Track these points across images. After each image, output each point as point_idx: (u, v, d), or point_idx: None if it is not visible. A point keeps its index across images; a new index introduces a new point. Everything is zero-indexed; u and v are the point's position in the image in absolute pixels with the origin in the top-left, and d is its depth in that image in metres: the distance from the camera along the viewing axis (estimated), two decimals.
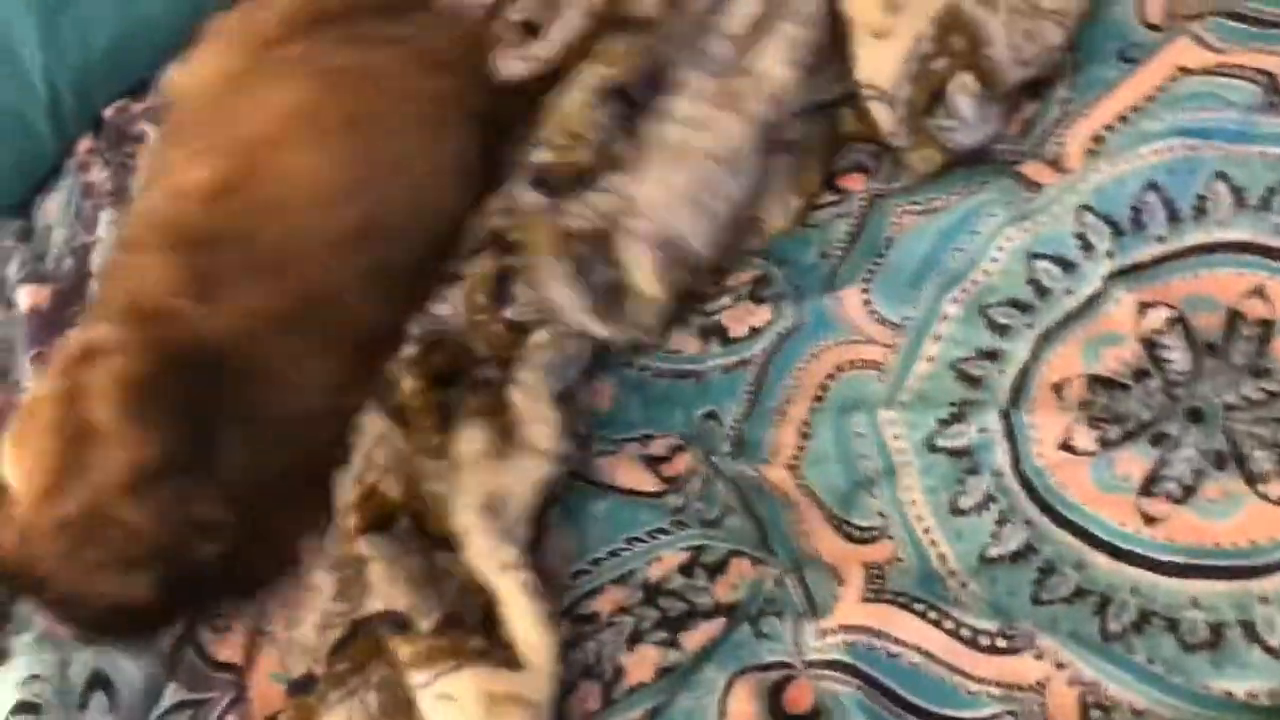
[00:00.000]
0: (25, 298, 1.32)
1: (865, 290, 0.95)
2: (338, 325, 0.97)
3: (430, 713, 0.82)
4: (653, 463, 0.96)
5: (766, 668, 0.81)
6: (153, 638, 0.96)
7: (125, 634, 0.94)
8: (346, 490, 0.96)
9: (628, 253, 0.99)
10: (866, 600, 0.80)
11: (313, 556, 1.00)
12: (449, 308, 1.02)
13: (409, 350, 1.01)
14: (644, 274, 0.99)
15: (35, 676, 0.90)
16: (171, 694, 0.92)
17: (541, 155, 1.05)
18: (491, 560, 0.85)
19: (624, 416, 1.01)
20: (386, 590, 0.87)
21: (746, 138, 1.03)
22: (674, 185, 1.01)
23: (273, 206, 0.98)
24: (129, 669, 0.93)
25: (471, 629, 0.85)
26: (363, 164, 1.00)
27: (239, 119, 1.01)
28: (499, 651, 0.83)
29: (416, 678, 0.83)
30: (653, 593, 0.87)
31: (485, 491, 0.88)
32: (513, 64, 1.12)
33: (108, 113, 1.51)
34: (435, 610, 0.85)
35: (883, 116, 1.01)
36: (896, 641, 0.78)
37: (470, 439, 0.92)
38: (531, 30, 1.11)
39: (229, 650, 0.95)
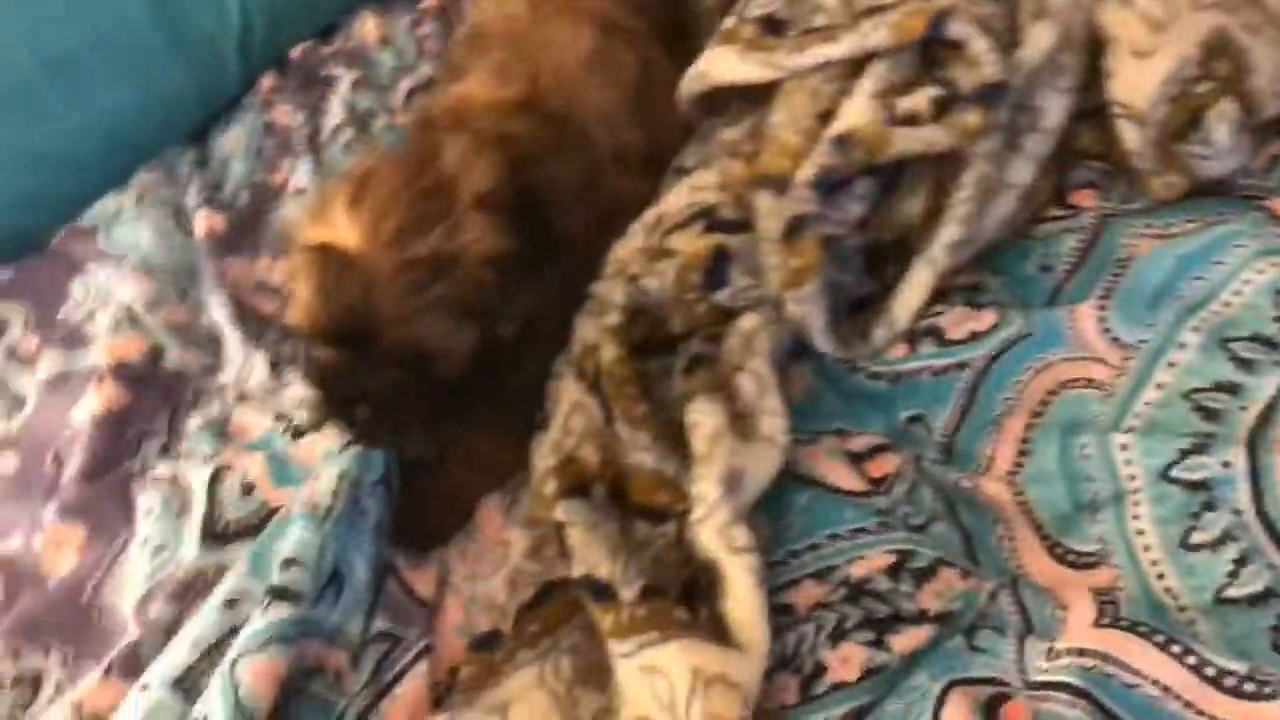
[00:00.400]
0: (202, 221, 1.32)
1: (1102, 308, 0.92)
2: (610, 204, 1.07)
3: (632, 684, 0.80)
4: (855, 460, 0.94)
5: (979, 682, 0.78)
6: (428, 441, 0.97)
7: (411, 425, 0.94)
8: (545, 455, 0.94)
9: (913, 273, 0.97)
10: (1101, 625, 0.77)
11: (490, 516, 0.99)
12: (657, 281, 0.99)
13: (611, 319, 0.99)
14: (914, 291, 0.96)
15: (293, 561, 0.89)
16: (378, 621, 0.91)
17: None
18: (723, 538, 0.82)
19: (818, 408, 0.98)
20: (588, 556, 0.85)
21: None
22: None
23: (572, 125, 1.08)
24: (359, 571, 0.92)
25: (675, 601, 0.82)
26: (644, 98, 1.14)
27: (538, 52, 1.12)
28: (705, 627, 0.81)
29: (618, 647, 0.81)
30: (855, 592, 0.85)
31: (728, 465, 0.86)
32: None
33: (294, 53, 1.51)
34: (637, 579, 0.83)
35: (1131, 136, 0.97)
36: (1134, 672, 0.74)
37: (706, 412, 0.89)
38: (774, 27, 1.08)
39: (425, 585, 0.93)
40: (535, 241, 0.94)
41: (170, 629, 0.92)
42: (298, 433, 1.04)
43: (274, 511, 0.97)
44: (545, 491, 0.91)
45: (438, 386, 0.92)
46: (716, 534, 0.83)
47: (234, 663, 0.83)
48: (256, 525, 0.97)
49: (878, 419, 0.97)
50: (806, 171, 0.95)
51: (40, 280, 1.31)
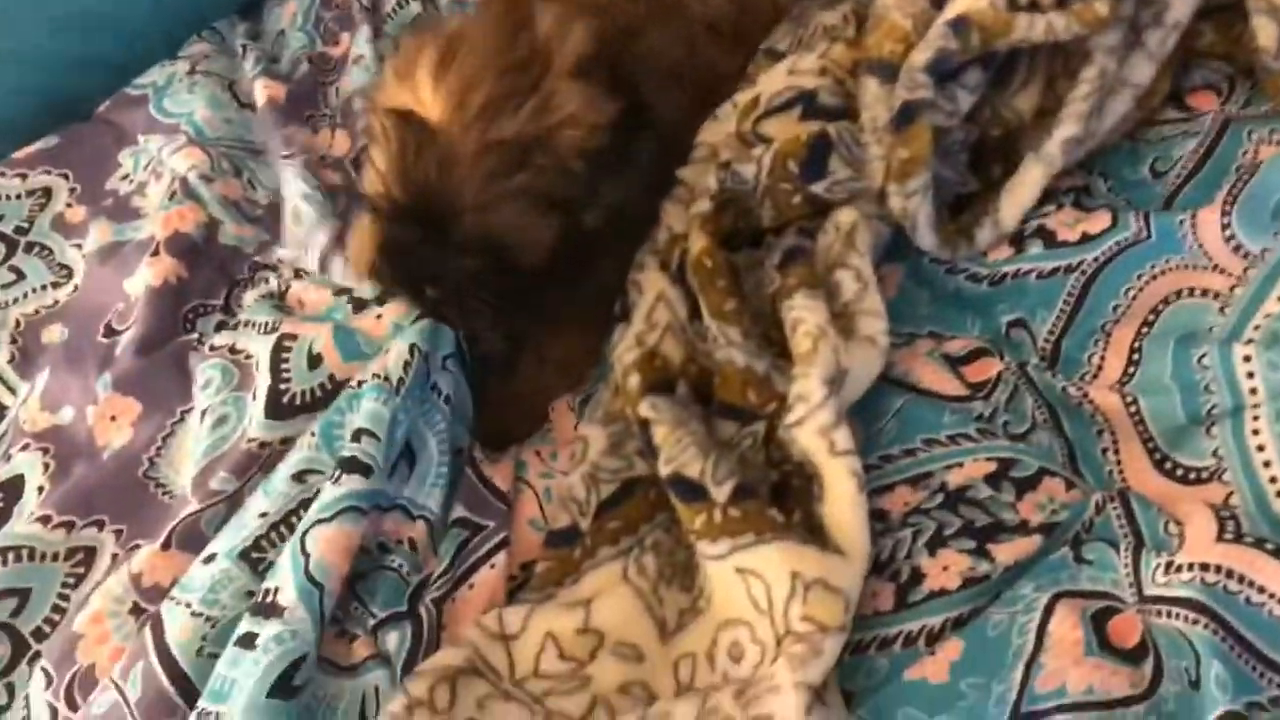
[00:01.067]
0: (263, 91, 1.26)
1: (1226, 214, 0.87)
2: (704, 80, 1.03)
3: (725, 586, 0.76)
4: (953, 363, 0.89)
5: (1087, 595, 0.74)
6: (498, 332, 0.93)
7: (482, 313, 0.90)
8: (627, 348, 0.90)
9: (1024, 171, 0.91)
10: (1224, 540, 0.73)
11: (564, 411, 0.95)
12: (752, 168, 0.94)
13: (701, 206, 0.94)
14: (1025, 189, 0.90)
15: (365, 432, 0.85)
16: (457, 508, 0.88)
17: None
18: (824, 439, 0.78)
19: (912, 309, 0.94)
20: (676, 454, 0.81)
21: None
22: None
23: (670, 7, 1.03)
24: (431, 446, 0.90)
25: (766, 502, 0.79)
26: None
27: None
28: (799, 530, 0.77)
29: (709, 548, 0.77)
30: (953, 499, 0.81)
31: (833, 363, 0.81)
32: None
33: None
34: (728, 479, 0.79)
35: (1268, 34, 0.91)
36: (1260, 589, 0.70)
37: (809, 308, 0.84)
38: None
39: (502, 478, 0.90)
40: (629, 121, 0.88)
41: (234, 501, 0.89)
42: (360, 305, 1.00)
43: (342, 384, 0.93)
44: (629, 386, 0.87)
45: (514, 277, 0.88)
46: (818, 435, 0.79)
47: (304, 534, 0.81)
48: (324, 398, 0.93)
49: (975, 323, 0.92)
50: (922, 55, 0.89)
51: (87, 149, 1.25)
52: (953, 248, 0.92)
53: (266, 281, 1.08)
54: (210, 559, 0.84)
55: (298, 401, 0.94)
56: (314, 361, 0.96)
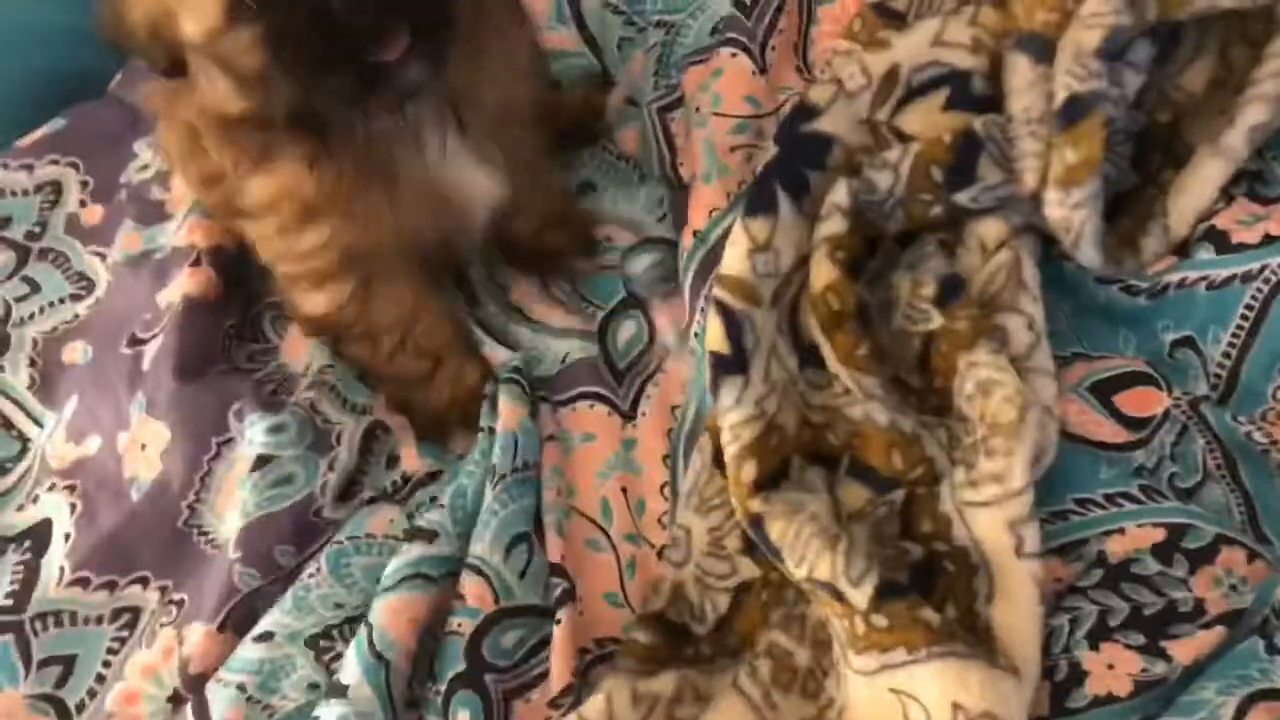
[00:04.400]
0: None
1: None
2: None
3: (876, 704, 0.66)
4: (1105, 393, 0.76)
5: None
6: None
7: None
8: (744, 420, 0.75)
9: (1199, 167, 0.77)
10: None
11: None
12: (888, 177, 0.79)
13: (833, 225, 0.79)
14: (1200, 190, 0.75)
15: (433, 500, 0.81)
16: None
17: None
18: (1011, 536, 0.67)
19: (1053, 325, 0.80)
20: (799, 552, 0.70)
21: None
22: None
23: None
24: (499, 515, 0.81)
25: (915, 599, 0.67)
26: None
27: None
28: (958, 632, 0.66)
29: (856, 660, 0.67)
30: (1115, 576, 0.70)
31: (1038, 442, 0.69)
32: None
33: None
34: (865, 577, 0.67)
35: None
36: None
37: (1002, 368, 0.71)
38: None
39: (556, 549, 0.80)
40: None
41: (292, 575, 0.82)
42: None
43: (410, 478, 0.88)
44: (742, 478, 0.74)
45: None
46: (1006, 529, 0.68)
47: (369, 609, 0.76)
48: (394, 492, 0.88)
49: (1130, 340, 0.80)
50: (1092, 35, 0.73)
51: (98, 134, 1.10)
52: (1117, 261, 0.77)
53: None
54: (265, 637, 0.77)
55: (368, 492, 0.87)
56: (392, 460, 0.89)
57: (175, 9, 0.71)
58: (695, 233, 0.88)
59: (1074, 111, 0.74)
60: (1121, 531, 0.71)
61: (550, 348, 0.92)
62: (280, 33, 0.67)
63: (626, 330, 0.92)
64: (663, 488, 0.83)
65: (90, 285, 1.02)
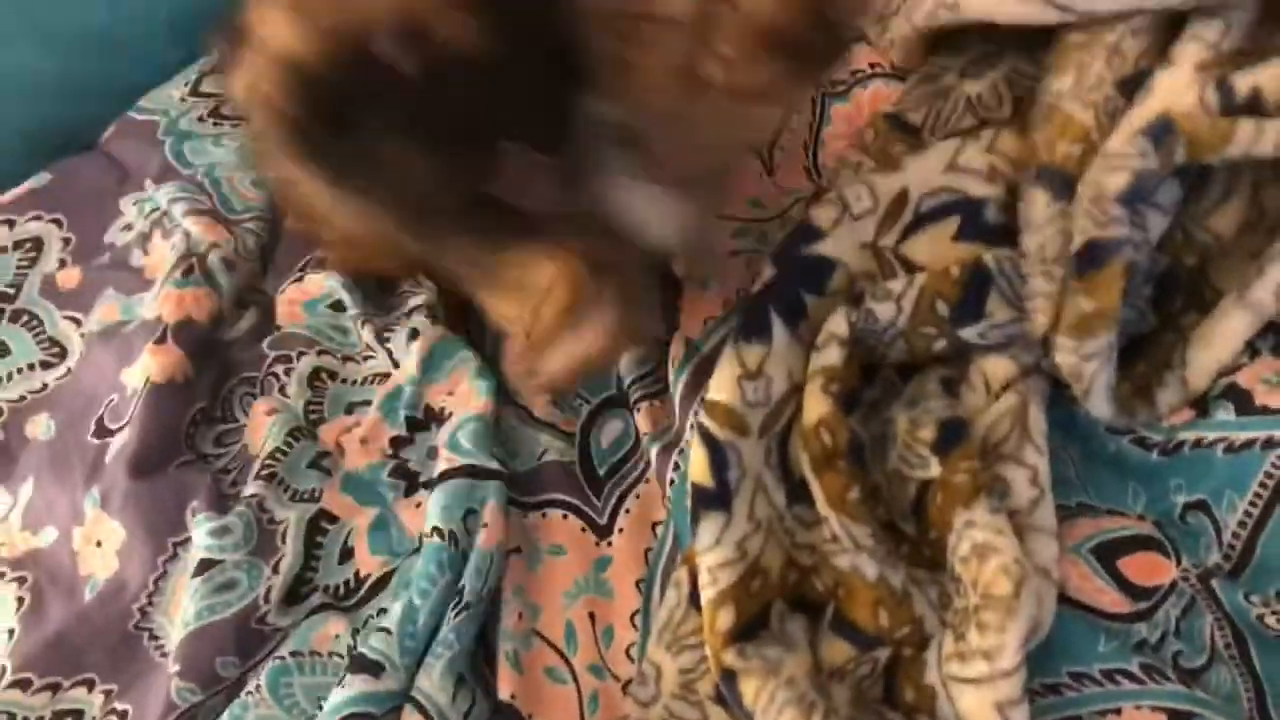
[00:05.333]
0: None
1: None
2: None
3: None
4: (1107, 555, 0.71)
5: None
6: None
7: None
8: (723, 562, 0.71)
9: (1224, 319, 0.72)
10: None
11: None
12: (892, 308, 0.75)
13: (829, 355, 0.74)
14: (1223, 344, 0.71)
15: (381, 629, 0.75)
16: None
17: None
18: (998, 717, 0.62)
19: (1055, 472, 0.74)
20: (771, 715, 0.65)
21: None
22: None
23: None
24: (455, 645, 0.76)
25: None
26: None
27: None
28: None
29: None
30: None
31: (1034, 618, 0.65)
32: None
33: None
34: None
35: None
36: None
37: (1001, 530, 0.67)
38: None
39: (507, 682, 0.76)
40: None
41: (236, 687, 0.77)
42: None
43: (364, 580, 0.83)
44: (718, 625, 0.69)
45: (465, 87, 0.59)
46: (994, 710, 0.63)
47: None
48: (346, 595, 0.82)
49: (1140, 498, 0.74)
50: (1115, 179, 0.68)
51: (84, 189, 1.07)
52: (1129, 413, 0.72)
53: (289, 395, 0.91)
54: None
55: (317, 597, 0.82)
56: (345, 554, 0.84)
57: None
58: (688, 341, 0.84)
59: (1092, 258, 0.69)
60: (1118, 713, 0.65)
61: (526, 440, 0.86)
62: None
63: (611, 431, 0.87)
64: (633, 616, 0.78)
65: (62, 353, 0.98)
